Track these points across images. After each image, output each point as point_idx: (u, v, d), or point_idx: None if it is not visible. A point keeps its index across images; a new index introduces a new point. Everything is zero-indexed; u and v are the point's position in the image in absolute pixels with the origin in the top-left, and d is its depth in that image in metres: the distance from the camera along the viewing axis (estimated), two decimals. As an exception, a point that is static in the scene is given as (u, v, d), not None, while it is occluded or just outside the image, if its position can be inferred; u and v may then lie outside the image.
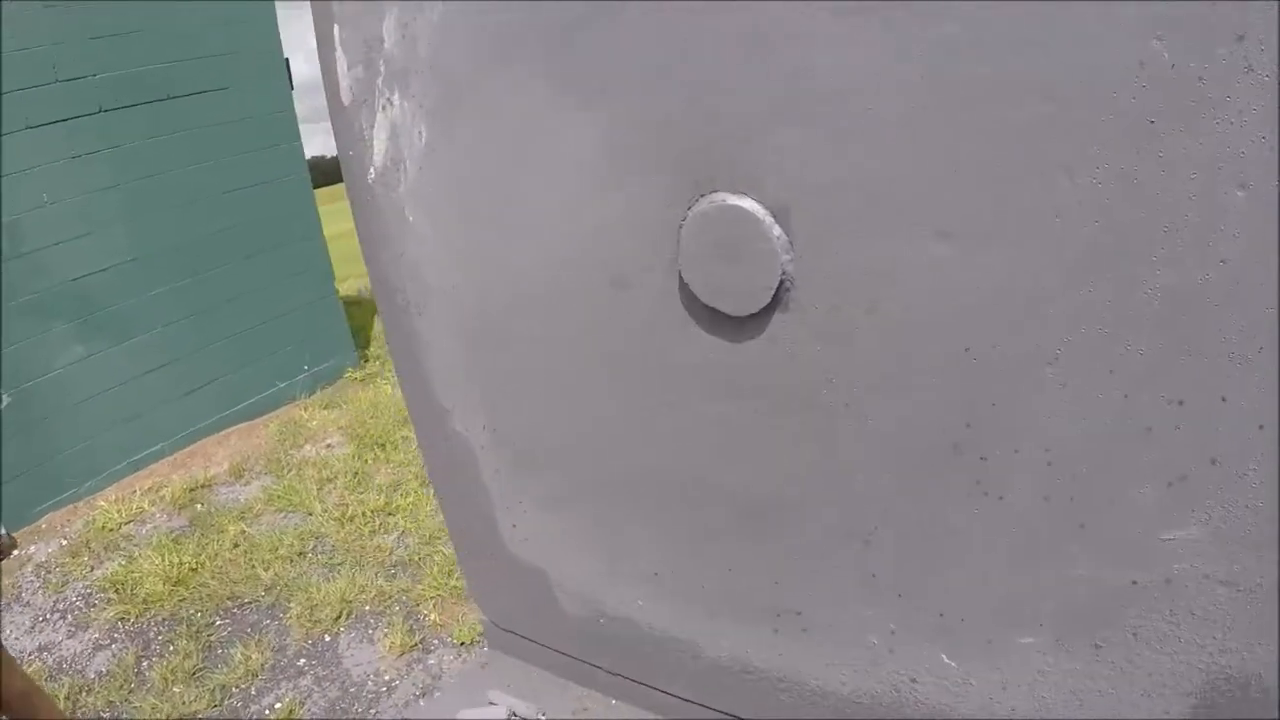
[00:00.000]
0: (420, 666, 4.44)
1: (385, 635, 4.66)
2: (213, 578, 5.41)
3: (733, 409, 1.89)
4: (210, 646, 4.89)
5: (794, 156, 1.59)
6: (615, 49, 1.73)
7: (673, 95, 1.68)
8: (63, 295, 6.58)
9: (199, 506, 6.32)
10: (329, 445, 6.88)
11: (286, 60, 8.00)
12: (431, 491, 5.87)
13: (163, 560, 5.57)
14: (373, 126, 2.25)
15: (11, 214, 6.36)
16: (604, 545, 2.34)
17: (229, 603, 5.20)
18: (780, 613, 2.12)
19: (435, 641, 4.58)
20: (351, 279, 9.99)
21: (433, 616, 4.72)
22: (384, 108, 2.20)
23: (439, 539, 5.35)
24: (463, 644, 4.47)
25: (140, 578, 5.49)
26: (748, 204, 1.61)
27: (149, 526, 6.21)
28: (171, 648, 4.89)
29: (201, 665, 4.73)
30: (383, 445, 6.68)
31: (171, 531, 6.03)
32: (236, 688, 4.55)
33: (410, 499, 5.87)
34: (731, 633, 2.22)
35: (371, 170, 2.31)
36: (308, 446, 6.90)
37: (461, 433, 2.52)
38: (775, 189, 1.61)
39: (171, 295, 7.01)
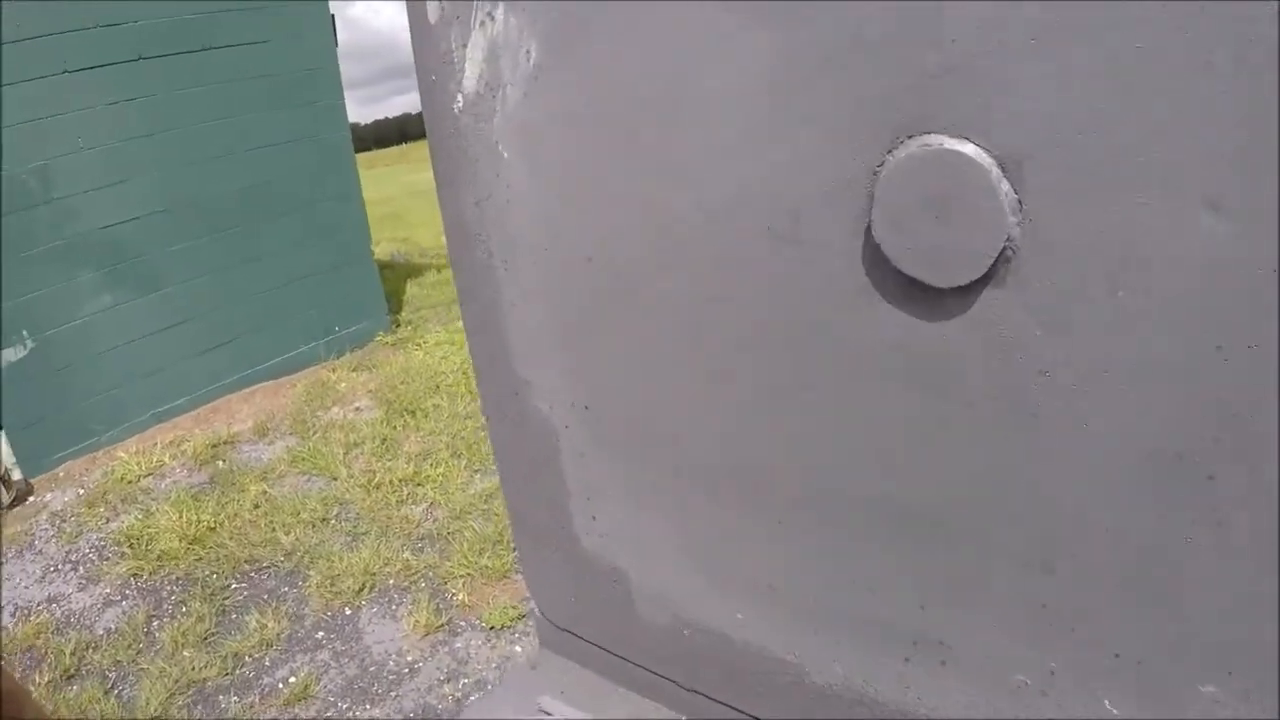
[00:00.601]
0: (446, 649, 4.10)
1: (409, 613, 4.33)
2: (231, 538, 5.10)
3: (909, 400, 1.53)
4: (224, 611, 4.58)
5: (1035, 95, 1.23)
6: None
7: (880, 11, 1.30)
8: (91, 243, 6.33)
9: (220, 463, 6.01)
10: (357, 409, 6.55)
11: (332, 16, 7.64)
12: (463, 463, 5.54)
13: (180, 517, 5.28)
14: (465, 46, 1.87)
15: (43, 158, 6.10)
16: (708, 548, 1.99)
17: (246, 566, 4.89)
18: (918, 641, 1.77)
19: (463, 623, 4.24)
20: (384, 242, 9.63)
21: (461, 596, 4.38)
22: (482, 24, 1.82)
23: (469, 514, 5.02)
24: (492, 629, 4.13)
25: (156, 533, 5.20)
26: (970, 150, 1.25)
27: (168, 481, 5.90)
28: (184, 609, 4.59)
29: (214, 630, 4.43)
30: (412, 412, 6.34)
31: (191, 487, 5.72)
32: (250, 656, 4.25)
33: (440, 470, 5.54)
34: (851, 658, 1.87)
35: (459, 98, 1.92)
36: (335, 409, 6.57)
37: (541, 409, 2.15)
38: (1007, 134, 1.25)
39: (202, 248, 6.71)
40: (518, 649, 3.99)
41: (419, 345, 7.58)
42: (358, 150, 8.14)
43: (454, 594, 4.42)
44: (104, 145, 6.33)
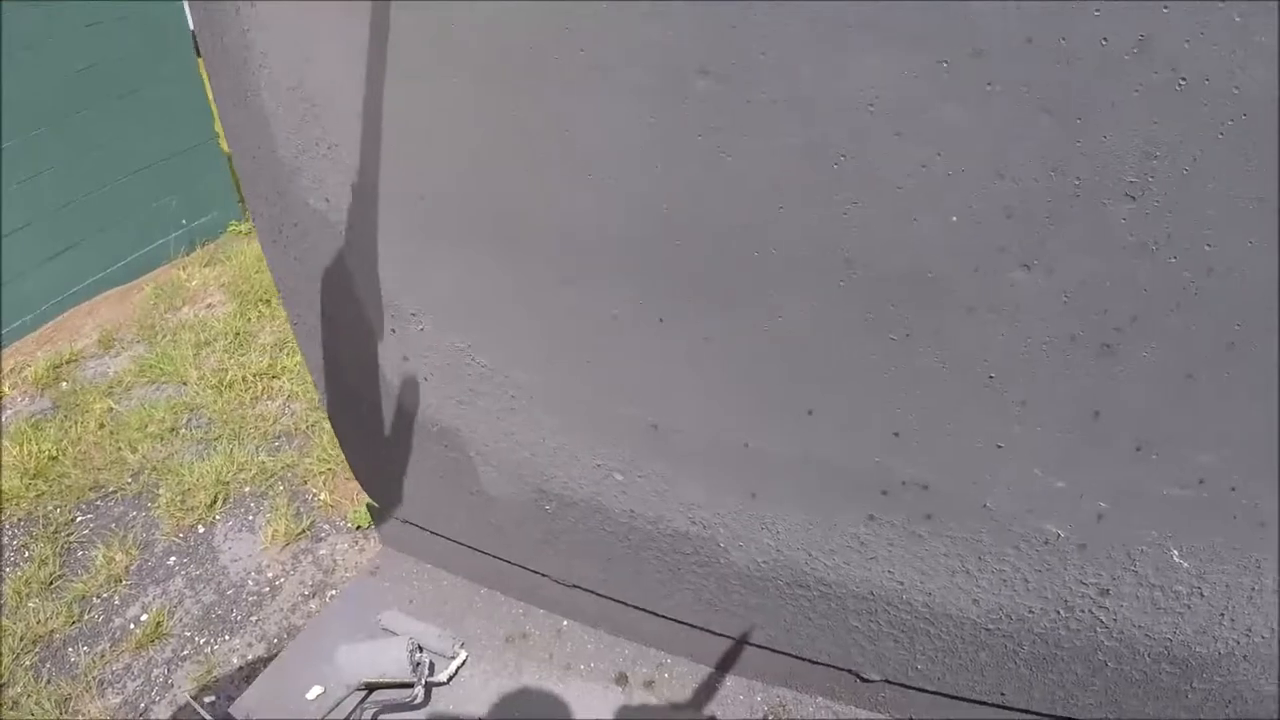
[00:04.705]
0: (309, 558, 3.43)
1: (268, 521, 3.63)
2: (74, 466, 4.31)
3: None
4: (69, 549, 3.82)
5: None
6: None
7: None
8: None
9: (63, 385, 5.16)
10: (209, 305, 5.70)
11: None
12: (326, 347, 4.79)
13: (20, 450, 4.45)
14: None
15: None
16: (560, 374, 1.30)
17: (92, 494, 4.11)
18: (890, 489, 1.14)
19: (326, 526, 3.56)
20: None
21: (323, 495, 3.69)
22: None
23: (332, 403, 4.28)
24: (359, 529, 3.45)
25: (-6, 473, 4.36)
26: None
27: (9, 413, 5.05)
28: (27, 553, 3.82)
29: (59, 572, 3.68)
30: (268, 301, 5.51)
31: (31, 416, 4.88)
32: (97, 597, 3.53)
33: (297, 358, 4.75)
34: (784, 523, 1.22)
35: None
36: (185, 309, 5.71)
37: (312, 205, 1.43)
38: None
39: (24, 147, 5.68)
40: (389, 548, 3.35)
41: (280, 231, 6.73)
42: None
43: (315, 493, 3.73)
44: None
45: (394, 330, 1.49)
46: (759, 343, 1.21)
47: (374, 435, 1.72)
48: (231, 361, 4.88)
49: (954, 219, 1.10)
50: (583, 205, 1.23)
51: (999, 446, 1.18)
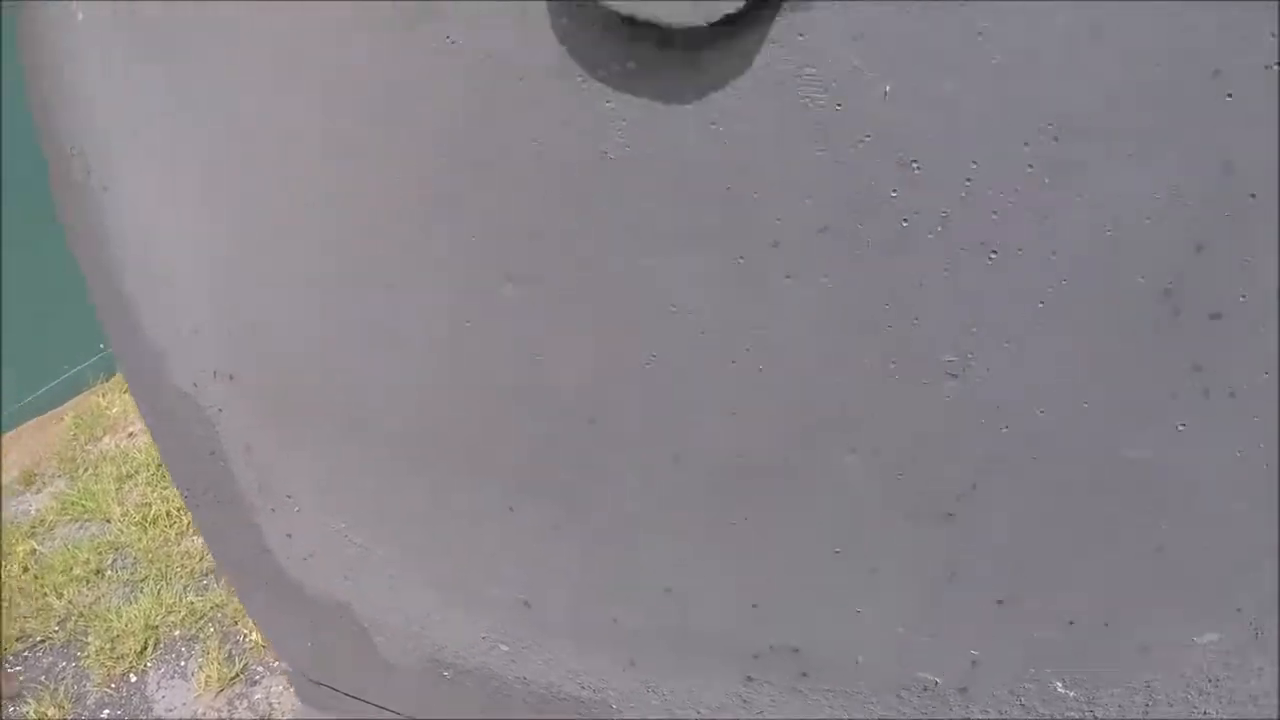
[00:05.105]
0: (244, 704, 3.37)
1: (200, 666, 3.57)
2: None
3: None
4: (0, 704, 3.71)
5: None
6: None
7: None
8: None
9: (-15, 526, 5.05)
10: (130, 434, 5.60)
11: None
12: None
13: (-54, 601, 4.34)
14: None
15: None
16: (429, 550, 1.30)
17: (19, 645, 4.03)
18: (760, 653, 1.14)
19: (260, 668, 3.50)
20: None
21: (254, 636, 3.64)
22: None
23: (259, 531, 4.23)
24: (292, 668, 3.39)
25: (-79, 626, 4.25)
26: None
27: (-68, 561, 4.93)
28: (-42, 713, 3.71)
29: (-6, 731, 3.58)
30: (191, 426, 5.43)
31: (-45, 563, 4.76)
32: (34, 756, 3.43)
33: (223, 487, 4.67)
34: (670, 687, 1.22)
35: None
36: (106, 439, 5.61)
37: (181, 388, 1.43)
38: None
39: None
40: (324, 686, 3.30)
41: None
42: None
43: (246, 634, 3.67)
44: None
45: (274, 509, 1.48)
46: (604, 531, 1.22)
47: (273, 605, 1.69)
48: (154, 495, 4.80)
49: (770, 412, 1.12)
50: (419, 401, 1.24)
51: (858, 611, 1.20)
